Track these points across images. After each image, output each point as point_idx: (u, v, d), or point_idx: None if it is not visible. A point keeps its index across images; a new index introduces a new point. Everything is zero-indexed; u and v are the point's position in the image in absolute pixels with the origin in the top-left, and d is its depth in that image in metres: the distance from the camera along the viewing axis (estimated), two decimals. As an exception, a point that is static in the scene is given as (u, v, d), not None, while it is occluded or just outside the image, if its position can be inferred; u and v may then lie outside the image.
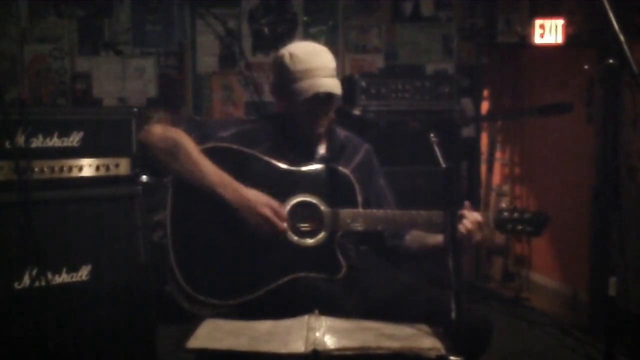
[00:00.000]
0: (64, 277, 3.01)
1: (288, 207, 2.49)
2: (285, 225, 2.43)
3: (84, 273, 3.05)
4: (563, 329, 4.32)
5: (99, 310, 3.07)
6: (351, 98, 4.61)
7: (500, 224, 2.53)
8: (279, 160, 2.55)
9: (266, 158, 2.54)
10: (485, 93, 5.84)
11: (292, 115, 2.64)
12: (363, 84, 4.58)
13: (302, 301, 2.25)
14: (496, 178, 5.97)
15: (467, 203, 2.50)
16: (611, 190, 2.24)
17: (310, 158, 2.64)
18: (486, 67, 5.57)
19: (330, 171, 2.55)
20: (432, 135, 2.04)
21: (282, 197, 2.49)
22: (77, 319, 3.01)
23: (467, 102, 5.32)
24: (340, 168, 2.56)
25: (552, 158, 5.19)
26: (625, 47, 2.05)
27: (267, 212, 2.41)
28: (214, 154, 2.49)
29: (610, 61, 2.07)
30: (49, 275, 2.98)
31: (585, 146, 4.59)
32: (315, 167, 2.57)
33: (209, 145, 2.53)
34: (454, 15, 5.47)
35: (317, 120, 2.60)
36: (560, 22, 4.77)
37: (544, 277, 5.33)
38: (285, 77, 2.58)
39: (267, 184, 2.49)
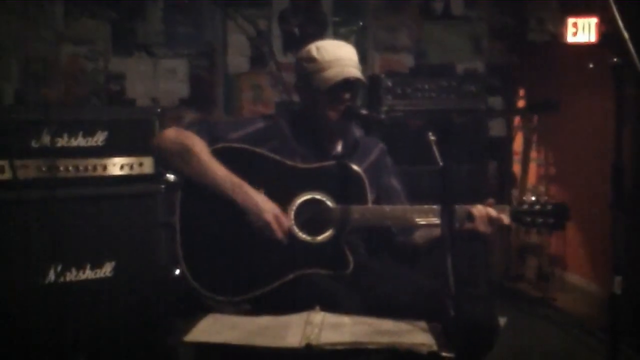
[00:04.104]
0: (88, 274, 3.10)
1: (296, 204, 2.51)
2: (282, 234, 2.45)
3: (107, 269, 3.14)
4: (587, 330, 4.26)
5: (121, 304, 3.15)
6: (377, 98, 4.62)
7: (518, 217, 2.50)
8: (290, 158, 2.58)
9: (275, 156, 2.57)
10: (521, 92, 5.79)
11: (312, 108, 2.67)
12: (389, 83, 4.59)
13: (308, 298, 2.27)
14: (532, 178, 5.91)
15: (490, 201, 2.51)
16: (613, 190, 2.22)
17: (325, 156, 2.66)
18: (519, 66, 5.51)
19: (341, 168, 2.56)
20: (429, 133, 2.05)
21: (291, 195, 2.52)
22: (100, 313, 3.10)
23: (496, 101, 5.29)
24: (352, 165, 2.57)
25: (587, 158, 5.12)
26: (630, 44, 2.03)
27: (270, 218, 2.43)
28: (223, 155, 2.52)
29: (614, 59, 2.05)
30: (74, 272, 3.07)
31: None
32: (325, 164, 2.59)
33: (219, 146, 2.56)
34: (485, 14, 5.42)
35: (337, 106, 2.61)
36: (593, 21, 4.68)
37: (579, 278, 5.27)
38: (312, 68, 2.63)
39: (276, 182, 2.52)
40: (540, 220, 2.49)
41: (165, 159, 2.61)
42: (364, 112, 2.61)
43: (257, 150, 2.57)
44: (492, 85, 5.30)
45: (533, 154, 5.86)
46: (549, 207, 2.49)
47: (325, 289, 2.37)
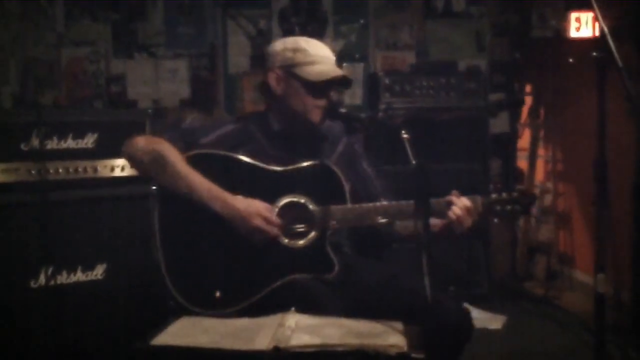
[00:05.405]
0: (79, 276, 3.09)
1: (277, 209, 2.45)
2: (277, 231, 2.40)
3: (99, 272, 3.13)
4: (590, 329, 4.19)
5: (113, 308, 3.14)
6: (375, 96, 4.59)
7: (490, 207, 2.52)
8: (265, 161, 2.52)
9: (251, 161, 2.51)
10: (528, 89, 5.73)
11: (289, 101, 2.61)
12: (387, 81, 4.56)
13: (291, 301, 2.22)
14: (539, 175, 5.86)
15: (454, 191, 2.48)
16: (600, 187, 2.19)
17: (296, 154, 2.61)
18: (524, 62, 5.45)
19: (317, 168, 2.52)
20: (402, 132, 2.02)
21: (271, 199, 2.46)
22: (91, 316, 3.10)
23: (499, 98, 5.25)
24: (328, 164, 2.53)
25: (595, 154, 5.04)
26: (610, 39, 2.00)
27: (259, 222, 2.37)
28: (198, 162, 2.45)
29: (594, 54, 2.03)
30: (65, 274, 3.06)
31: (628, 141, 4.44)
32: (301, 165, 2.53)
33: (193, 153, 2.49)
34: (487, 10, 5.37)
35: (317, 101, 2.58)
36: (596, 15, 4.62)
37: (587, 276, 5.20)
38: (300, 58, 2.58)
39: (255, 188, 2.45)
40: (509, 207, 2.52)
41: (138, 168, 2.54)
42: (343, 111, 2.59)
43: (233, 155, 2.51)
44: (495, 82, 5.25)
45: (540, 151, 5.81)
46: (515, 194, 2.54)
47: (308, 290, 2.33)
